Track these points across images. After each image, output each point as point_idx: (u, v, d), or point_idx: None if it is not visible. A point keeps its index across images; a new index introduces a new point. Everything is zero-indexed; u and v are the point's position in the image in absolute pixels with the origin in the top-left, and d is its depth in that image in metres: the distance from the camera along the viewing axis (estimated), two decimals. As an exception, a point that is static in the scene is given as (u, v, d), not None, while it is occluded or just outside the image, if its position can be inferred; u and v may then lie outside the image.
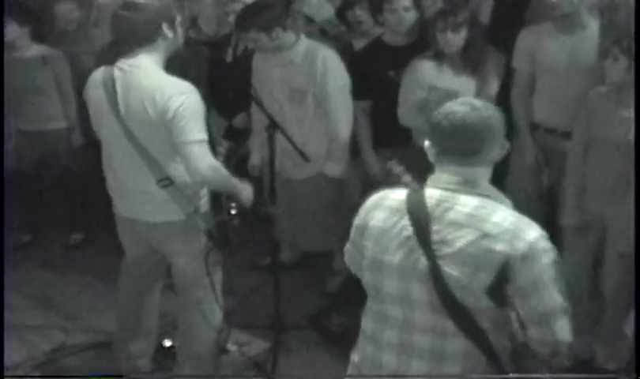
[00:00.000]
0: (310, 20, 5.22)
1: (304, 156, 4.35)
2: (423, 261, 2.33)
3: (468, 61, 4.35)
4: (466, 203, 2.33)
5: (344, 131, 4.59)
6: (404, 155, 3.10)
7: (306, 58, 4.53)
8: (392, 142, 4.50)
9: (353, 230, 2.59)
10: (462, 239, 2.28)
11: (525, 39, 4.33)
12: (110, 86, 3.42)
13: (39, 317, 4.90)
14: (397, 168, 2.75)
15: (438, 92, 4.26)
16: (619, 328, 4.06)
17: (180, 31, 3.54)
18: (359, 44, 5.02)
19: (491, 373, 2.41)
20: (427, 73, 4.40)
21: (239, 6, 4.94)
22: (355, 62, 4.67)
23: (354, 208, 2.62)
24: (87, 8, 5.79)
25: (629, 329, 4.03)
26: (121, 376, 4.11)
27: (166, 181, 3.47)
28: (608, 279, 3.91)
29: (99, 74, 3.54)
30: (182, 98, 3.31)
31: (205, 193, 3.67)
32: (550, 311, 2.27)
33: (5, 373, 4.17)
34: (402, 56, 4.55)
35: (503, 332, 2.41)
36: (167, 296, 4.08)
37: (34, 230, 6.00)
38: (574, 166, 3.95)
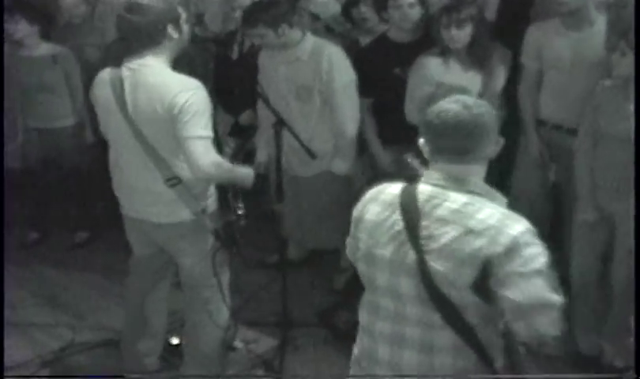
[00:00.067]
0: (316, 18, 5.22)
1: (311, 153, 4.35)
2: (411, 256, 2.38)
3: (474, 57, 4.35)
4: (455, 200, 2.36)
5: (351, 128, 4.58)
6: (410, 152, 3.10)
7: (312, 55, 4.52)
8: (397, 139, 4.49)
9: (352, 222, 2.64)
10: (447, 235, 2.32)
11: (533, 35, 4.32)
12: (118, 85, 3.42)
13: (46, 315, 4.91)
14: (414, 161, 2.76)
15: (445, 89, 4.24)
16: (627, 325, 4.04)
17: (186, 29, 3.53)
18: (364, 41, 5.01)
19: (482, 366, 2.44)
20: (433, 69, 4.39)
21: (245, 2, 4.94)
22: (359, 59, 4.66)
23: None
24: (92, 1, 5.77)
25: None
26: (121, 376, 4.11)
27: (174, 181, 3.46)
28: (617, 275, 3.90)
29: (106, 74, 3.53)
30: (189, 94, 3.31)
31: (212, 192, 3.67)
32: (531, 304, 2.27)
33: (9, 373, 4.19)
34: (407, 53, 4.54)
35: (492, 327, 2.42)
36: (175, 294, 4.08)
37: (42, 228, 6.01)
38: (581, 161, 3.94)
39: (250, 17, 4.47)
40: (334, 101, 4.53)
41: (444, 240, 2.32)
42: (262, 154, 4.90)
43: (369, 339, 2.59)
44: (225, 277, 3.85)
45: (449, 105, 2.39)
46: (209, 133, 3.38)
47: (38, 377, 4.26)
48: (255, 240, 4.27)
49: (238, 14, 5.04)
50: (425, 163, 2.56)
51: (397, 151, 4.51)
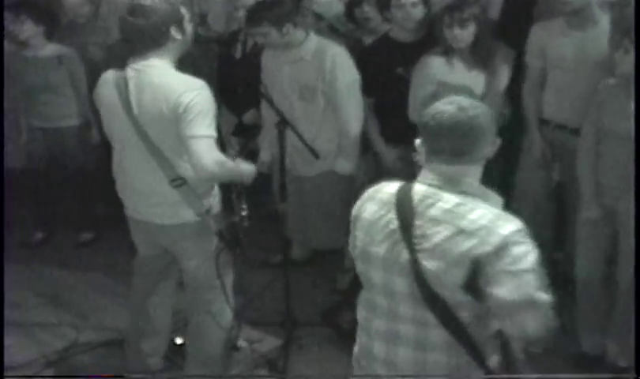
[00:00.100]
0: (319, 18, 5.22)
1: (314, 153, 4.35)
2: (405, 255, 2.39)
3: (478, 56, 4.35)
4: (448, 200, 2.38)
5: (355, 128, 4.58)
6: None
7: (315, 55, 4.52)
8: (399, 138, 4.49)
9: (351, 221, 2.66)
10: (439, 235, 2.34)
11: (537, 35, 4.31)
12: (122, 86, 3.43)
13: (50, 315, 4.92)
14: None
15: (448, 88, 4.23)
16: (631, 324, 4.04)
17: (189, 29, 3.54)
18: (368, 41, 5.02)
19: (475, 364, 2.45)
20: (437, 69, 4.39)
21: (249, 2, 4.94)
22: (362, 59, 4.66)
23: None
24: (96, 1, 5.78)
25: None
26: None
27: (178, 181, 3.47)
28: (622, 273, 3.89)
29: (110, 75, 3.54)
30: (194, 94, 3.32)
31: (216, 193, 3.67)
32: (517, 302, 2.27)
33: (13, 373, 4.20)
34: (410, 52, 4.55)
35: (486, 326, 2.43)
36: (180, 294, 4.07)
37: (46, 228, 6.01)
38: (584, 159, 3.94)
39: (255, 16, 4.48)
40: (338, 101, 4.53)
41: (436, 240, 2.34)
42: (266, 154, 4.91)
43: (366, 336, 2.62)
44: (229, 278, 3.85)
45: (445, 107, 2.40)
46: (213, 132, 3.38)
47: (39, 377, 4.25)
48: (259, 240, 4.28)
49: (241, 14, 5.04)
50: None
51: (400, 150, 4.52)
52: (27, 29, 5.36)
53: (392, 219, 2.44)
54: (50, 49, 5.49)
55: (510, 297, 2.26)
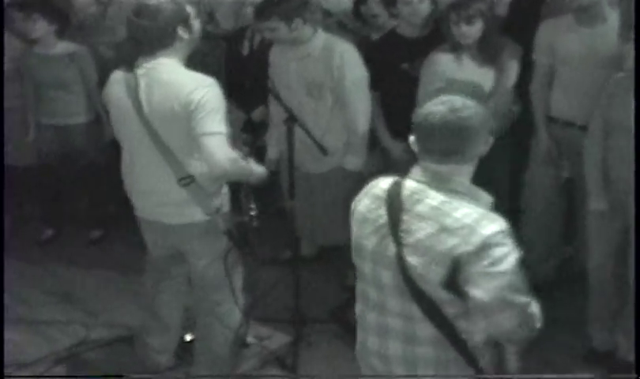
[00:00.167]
0: (328, 14, 5.21)
1: (323, 149, 4.34)
2: (391, 249, 2.43)
3: (485, 53, 4.35)
4: (435, 197, 2.40)
5: (363, 124, 4.58)
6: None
7: (323, 51, 4.51)
8: (405, 133, 4.48)
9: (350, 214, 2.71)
10: (422, 231, 2.37)
11: (545, 32, 4.30)
12: (132, 84, 3.43)
13: (59, 313, 4.93)
14: None
15: (457, 84, 4.24)
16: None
17: (197, 26, 3.54)
18: (375, 38, 5.01)
19: (463, 360, 2.49)
20: (445, 65, 4.39)
21: (257, -2, 4.94)
22: (369, 54, 4.65)
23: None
24: (105, 1, 5.79)
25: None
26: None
27: (187, 180, 3.47)
28: (632, 268, 3.87)
29: (119, 74, 3.54)
30: (204, 91, 3.32)
31: (225, 192, 3.67)
32: (494, 304, 2.31)
33: (23, 370, 4.22)
34: (416, 48, 4.54)
35: (475, 323, 2.43)
36: (191, 291, 4.07)
37: (56, 225, 6.03)
38: (591, 151, 3.94)
39: (264, 11, 4.47)
40: (346, 98, 4.52)
41: (419, 235, 2.37)
42: (273, 151, 4.90)
43: (361, 329, 2.69)
44: (238, 279, 3.85)
45: (437, 107, 2.42)
46: (224, 129, 3.38)
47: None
48: (267, 237, 4.27)
49: (249, 10, 5.04)
50: None
51: (407, 145, 4.50)
52: (39, 28, 5.36)
53: (382, 214, 2.49)
54: (62, 47, 5.49)
55: (487, 298, 2.30)
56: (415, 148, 2.51)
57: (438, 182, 2.41)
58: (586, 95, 4.07)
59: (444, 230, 2.33)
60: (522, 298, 2.34)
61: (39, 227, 5.99)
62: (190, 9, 3.48)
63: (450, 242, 2.31)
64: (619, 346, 4.08)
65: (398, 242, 2.40)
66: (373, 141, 4.75)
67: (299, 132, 4.27)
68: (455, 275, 2.32)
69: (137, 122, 3.43)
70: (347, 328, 4.43)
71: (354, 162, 4.63)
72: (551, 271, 4.77)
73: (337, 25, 5.23)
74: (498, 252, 2.30)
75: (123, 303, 4.89)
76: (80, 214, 6.05)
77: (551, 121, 4.39)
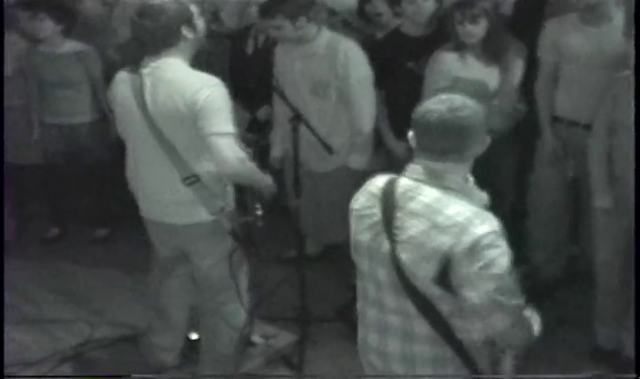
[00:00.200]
0: (333, 13, 5.21)
1: (328, 148, 4.33)
2: (385, 245, 2.45)
3: (490, 51, 4.34)
4: (428, 194, 2.41)
5: (367, 123, 4.58)
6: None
7: (328, 50, 4.52)
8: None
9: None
10: (414, 228, 2.38)
11: (550, 30, 4.30)
12: (137, 83, 3.42)
13: (65, 311, 4.94)
14: None
15: (463, 83, 4.24)
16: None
17: (201, 25, 3.53)
18: (380, 36, 5.00)
19: (460, 358, 2.49)
20: (450, 64, 4.39)
21: (261, -4, 4.94)
22: (373, 53, 4.65)
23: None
24: (110, 2, 5.79)
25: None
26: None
27: (192, 179, 3.46)
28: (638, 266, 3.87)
29: (124, 73, 3.53)
30: (210, 91, 3.32)
31: (230, 192, 3.66)
32: (486, 306, 2.32)
33: (28, 369, 4.22)
34: (420, 47, 4.55)
35: (472, 322, 2.43)
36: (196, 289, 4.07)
37: (62, 223, 6.03)
38: (595, 149, 3.94)
39: (269, 9, 4.47)
40: (350, 96, 4.52)
41: (411, 232, 2.38)
42: (277, 149, 4.91)
43: (362, 326, 2.71)
44: (244, 280, 3.84)
45: (436, 106, 2.43)
46: (232, 129, 3.38)
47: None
48: (272, 236, 4.27)
49: (253, 9, 5.03)
50: None
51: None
52: (46, 28, 5.36)
53: (376, 211, 2.50)
54: (70, 45, 5.50)
55: (478, 299, 2.31)
56: (412, 143, 2.51)
57: (433, 179, 2.42)
58: (591, 94, 4.06)
59: (435, 227, 2.33)
60: (513, 300, 2.35)
61: (45, 225, 5.99)
62: (193, 8, 3.47)
63: (442, 239, 2.31)
64: (625, 344, 4.07)
65: (392, 239, 2.42)
66: (378, 140, 4.74)
67: (303, 130, 4.26)
68: (446, 273, 2.33)
69: (142, 122, 3.43)
70: (352, 327, 4.37)
71: (358, 161, 4.62)
72: (559, 270, 4.77)
73: (342, 24, 5.23)
74: (489, 253, 2.30)
75: (128, 302, 4.90)
76: (86, 213, 6.05)
77: (556, 122, 4.38)
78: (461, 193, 2.41)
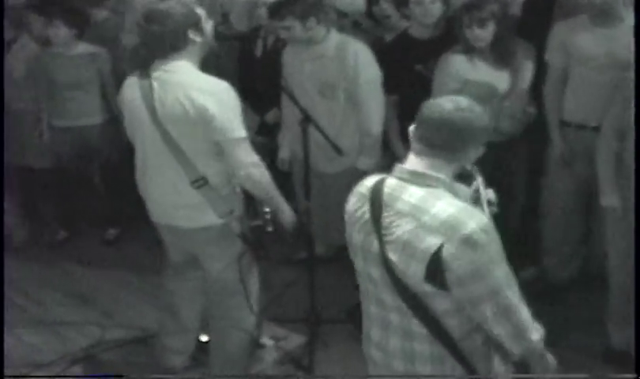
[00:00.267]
0: (342, 14, 5.21)
1: (337, 150, 4.33)
2: (375, 245, 2.45)
3: (499, 54, 4.34)
4: (413, 193, 2.40)
5: (376, 124, 4.58)
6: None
7: (337, 51, 4.52)
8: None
9: None
10: (401, 227, 2.38)
11: (560, 32, 4.28)
12: (147, 88, 3.42)
13: (75, 313, 4.94)
14: None
15: (472, 86, 4.24)
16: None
17: (209, 29, 3.52)
18: (389, 38, 5.00)
19: (457, 357, 2.48)
20: (459, 66, 4.38)
21: (271, -1, 4.94)
22: (382, 56, 4.65)
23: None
24: (119, 11, 5.82)
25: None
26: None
27: (200, 182, 3.46)
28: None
29: (134, 78, 3.53)
30: (220, 95, 3.32)
31: (239, 195, 3.66)
32: (478, 297, 2.33)
33: (39, 371, 4.24)
34: (428, 49, 4.54)
35: (470, 320, 2.44)
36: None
37: (71, 226, 6.05)
38: (603, 148, 3.93)
39: (279, 10, 4.47)
40: (359, 98, 4.53)
41: (398, 232, 2.38)
42: (285, 151, 4.91)
43: (366, 319, 2.72)
44: (254, 285, 3.84)
45: (445, 103, 2.44)
46: (244, 133, 3.39)
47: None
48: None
49: (262, 11, 5.04)
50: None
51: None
52: (61, 34, 5.38)
53: (365, 211, 2.51)
54: (83, 47, 5.51)
55: (466, 295, 2.33)
56: (410, 135, 2.51)
57: (419, 178, 2.41)
58: (600, 96, 4.05)
59: (422, 226, 2.33)
60: (509, 292, 2.35)
61: (55, 227, 6.00)
62: (200, 11, 3.47)
63: (429, 238, 2.31)
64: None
65: (380, 239, 2.43)
66: (386, 142, 4.74)
67: (312, 132, 4.26)
68: (435, 271, 2.32)
69: (151, 125, 3.43)
70: (361, 329, 4.43)
71: (367, 162, 4.62)
72: (575, 272, 4.75)
73: (352, 25, 5.23)
74: (480, 249, 2.29)
75: (139, 303, 4.91)
76: (96, 214, 6.06)
77: (565, 125, 4.37)
78: (447, 190, 2.41)
